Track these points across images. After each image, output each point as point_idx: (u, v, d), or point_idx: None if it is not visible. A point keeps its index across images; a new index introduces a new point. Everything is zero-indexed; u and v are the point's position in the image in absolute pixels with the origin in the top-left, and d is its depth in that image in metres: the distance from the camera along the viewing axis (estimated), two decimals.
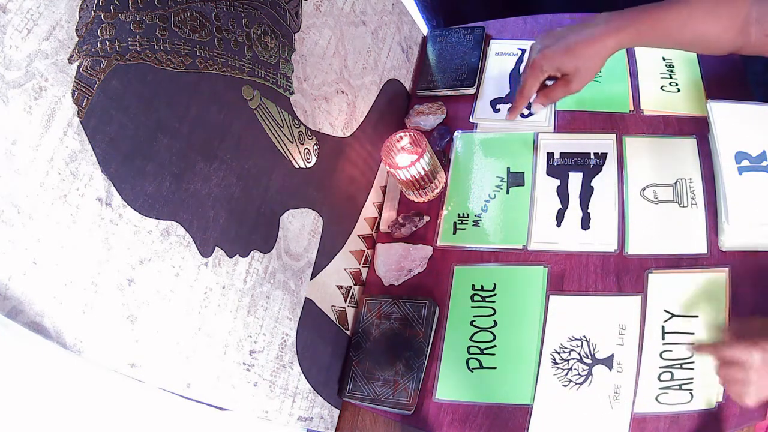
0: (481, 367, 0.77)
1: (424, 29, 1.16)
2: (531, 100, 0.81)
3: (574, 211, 0.84)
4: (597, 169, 0.87)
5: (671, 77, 0.92)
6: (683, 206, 0.80)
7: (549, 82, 0.79)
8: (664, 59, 0.94)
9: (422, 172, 0.86)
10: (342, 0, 0.84)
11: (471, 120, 0.99)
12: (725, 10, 0.68)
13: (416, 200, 0.94)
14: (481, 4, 1.21)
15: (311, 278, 0.77)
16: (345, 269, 0.85)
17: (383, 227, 0.94)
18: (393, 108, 1.01)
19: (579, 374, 0.72)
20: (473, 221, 0.89)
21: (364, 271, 0.90)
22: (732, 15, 0.68)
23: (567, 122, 0.93)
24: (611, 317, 0.74)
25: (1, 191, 0.41)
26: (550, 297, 0.78)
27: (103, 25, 0.49)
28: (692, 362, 0.69)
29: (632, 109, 0.91)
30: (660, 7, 0.70)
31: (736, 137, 0.75)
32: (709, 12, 0.68)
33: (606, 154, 0.88)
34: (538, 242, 0.84)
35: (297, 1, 0.74)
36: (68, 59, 0.46)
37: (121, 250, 0.50)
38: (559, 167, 0.89)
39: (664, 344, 0.71)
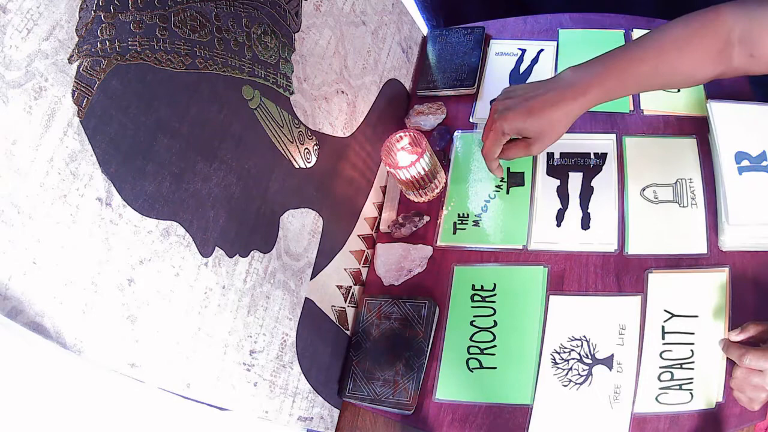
0: (481, 367, 0.77)
1: (424, 29, 1.16)
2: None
3: (574, 211, 0.84)
4: (597, 169, 0.87)
5: None
6: (683, 206, 0.80)
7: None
8: None
9: (422, 172, 0.86)
10: (342, 0, 0.84)
11: (471, 120, 0.99)
12: (699, 42, 0.65)
13: (416, 200, 0.94)
14: (481, 4, 1.21)
15: (311, 278, 0.77)
16: (345, 269, 0.85)
17: (383, 227, 0.94)
18: (393, 108, 1.01)
19: (579, 374, 0.72)
20: (473, 221, 0.89)
21: (364, 271, 0.91)
22: (707, 44, 0.64)
23: None
24: (611, 317, 0.74)
25: (1, 191, 0.41)
26: (550, 297, 0.78)
27: (103, 25, 0.49)
28: (692, 362, 0.69)
29: (632, 109, 0.91)
30: (625, 55, 0.66)
31: (736, 137, 0.75)
32: (681, 48, 0.65)
33: (606, 154, 0.88)
34: (538, 242, 0.84)
35: (297, 1, 0.74)
36: (68, 59, 0.46)
37: (121, 250, 0.50)
38: (559, 167, 0.89)
39: (664, 344, 0.71)
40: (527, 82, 0.76)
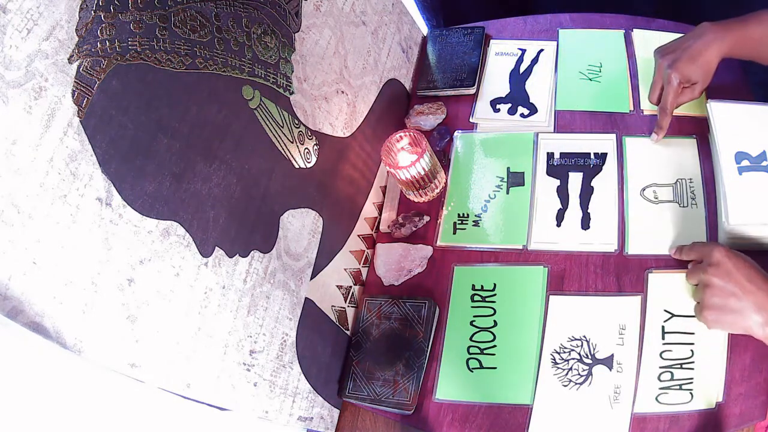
0: (481, 367, 0.77)
1: (424, 29, 1.16)
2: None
3: (574, 211, 0.84)
4: (597, 169, 0.87)
5: None
6: (683, 206, 0.80)
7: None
8: None
9: (422, 172, 0.86)
10: (342, 0, 0.84)
11: (471, 120, 0.99)
12: None
13: (416, 200, 0.94)
14: (481, 4, 1.21)
15: (311, 278, 0.77)
16: (345, 269, 0.85)
17: (383, 227, 0.94)
18: (393, 108, 1.01)
19: (579, 374, 0.72)
20: (473, 221, 0.89)
21: (364, 271, 0.91)
22: None
23: (567, 122, 0.93)
24: (611, 317, 0.74)
25: (1, 191, 0.41)
26: (550, 297, 0.78)
27: (103, 25, 0.49)
28: (692, 362, 0.69)
29: (632, 109, 0.91)
30: (743, 23, 0.75)
31: (736, 137, 0.75)
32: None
33: (606, 154, 0.88)
34: (538, 242, 0.84)
35: (297, 1, 0.74)
36: (68, 59, 0.46)
37: (121, 250, 0.50)
38: (559, 167, 0.89)
39: (664, 344, 0.71)
40: (671, 40, 0.83)
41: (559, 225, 0.84)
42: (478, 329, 0.80)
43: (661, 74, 0.81)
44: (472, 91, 1.02)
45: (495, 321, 0.79)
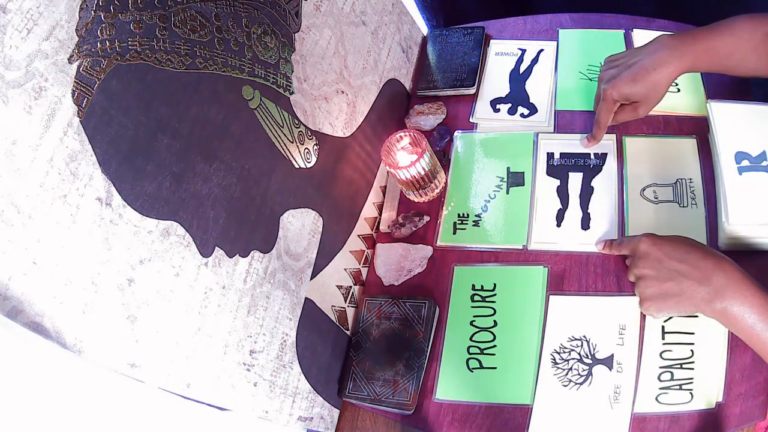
0: (481, 367, 0.77)
1: (424, 29, 1.16)
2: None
3: (574, 211, 0.84)
4: (597, 169, 0.87)
5: None
6: (683, 206, 0.80)
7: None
8: None
9: (422, 172, 0.86)
10: (342, 0, 0.84)
11: (471, 120, 0.99)
12: (762, 39, 0.70)
13: (416, 200, 0.94)
14: (481, 4, 1.21)
15: (311, 278, 0.77)
16: (345, 269, 0.85)
17: (383, 227, 0.94)
18: (393, 108, 1.01)
19: (579, 374, 0.72)
20: (473, 221, 0.89)
21: (364, 271, 0.91)
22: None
23: (567, 122, 0.93)
24: (611, 317, 0.74)
25: (1, 191, 0.41)
26: (550, 297, 0.78)
27: (103, 25, 0.49)
28: (692, 362, 0.69)
29: None
30: (710, 33, 0.72)
31: (736, 137, 0.75)
32: (748, 41, 0.70)
33: (606, 154, 0.88)
34: (538, 242, 0.84)
35: (297, 1, 0.74)
36: (68, 59, 0.46)
37: (121, 250, 0.50)
38: (559, 167, 0.89)
39: (664, 344, 0.71)
40: (626, 50, 0.81)
41: (559, 225, 0.84)
42: (478, 329, 0.80)
43: (598, 91, 0.80)
44: (472, 91, 1.02)
45: (495, 321, 0.79)
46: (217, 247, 0.61)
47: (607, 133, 0.89)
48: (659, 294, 0.66)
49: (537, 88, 0.99)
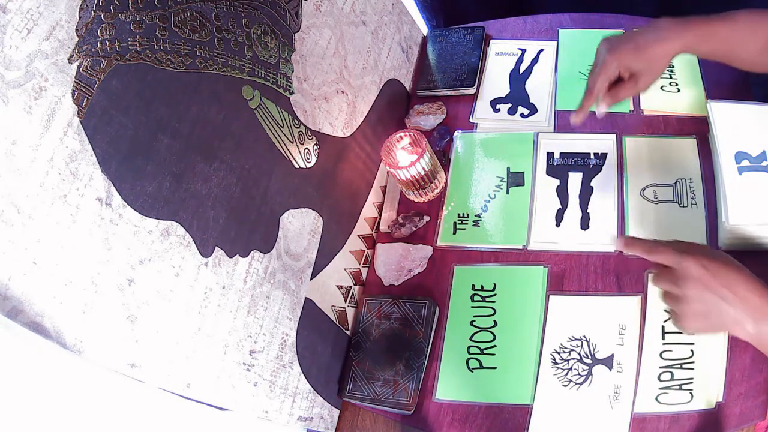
0: (481, 367, 0.77)
1: (424, 29, 1.16)
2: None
3: (573, 211, 0.84)
4: (597, 169, 0.87)
5: (671, 77, 0.92)
6: (683, 206, 0.80)
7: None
8: None
9: (422, 172, 0.86)
10: (342, 0, 0.84)
11: (471, 120, 0.99)
12: (762, 32, 0.69)
13: (416, 200, 0.94)
14: (481, 4, 1.21)
15: (311, 278, 0.77)
16: (345, 269, 0.85)
17: (383, 227, 0.94)
18: (393, 108, 1.01)
19: (579, 374, 0.72)
20: (473, 221, 0.89)
21: (364, 271, 0.90)
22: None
23: (567, 122, 0.93)
24: (611, 317, 0.74)
25: (1, 191, 0.41)
26: (550, 297, 0.78)
27: (103, 25, 0.49)
28: (692, 362, 0.69)
29: (632, 109, 0.91)
30: (713, 19, 0.72)
31: (736, 137, 0.75)
32: (748, 31, 0.70)
33: (606, 154, 0.88)
34: (538, 242, 0.84)
35: (297, 1, 0.74)
36: (68, 59, 0.46)
37: (121, 250, 0.50)
38: (559, 167, 0.89)
39: (664, 344, 0.71)
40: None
41: (558, 225, 0.84)
42: (478, 329, 0.80)
43: (598, 58, 0.76)
44: (472, 91, 1.02)
45: (495, 321, 0.79)
46: (217, 247, 0.61)
47: (606, 132, 0.90)
48: (701, 319, 0.60)
49: (537, 88, 0.99)
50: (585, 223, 0.83)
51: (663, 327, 0.72)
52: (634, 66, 0.74)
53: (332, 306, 0.81)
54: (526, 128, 0.95)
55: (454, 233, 0.89)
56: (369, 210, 0.92)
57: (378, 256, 0.90)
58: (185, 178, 0.57)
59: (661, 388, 0.69)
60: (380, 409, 0.79)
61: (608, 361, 0.72)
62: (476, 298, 0.82)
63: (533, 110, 0.96)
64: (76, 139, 0.46)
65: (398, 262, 0.88)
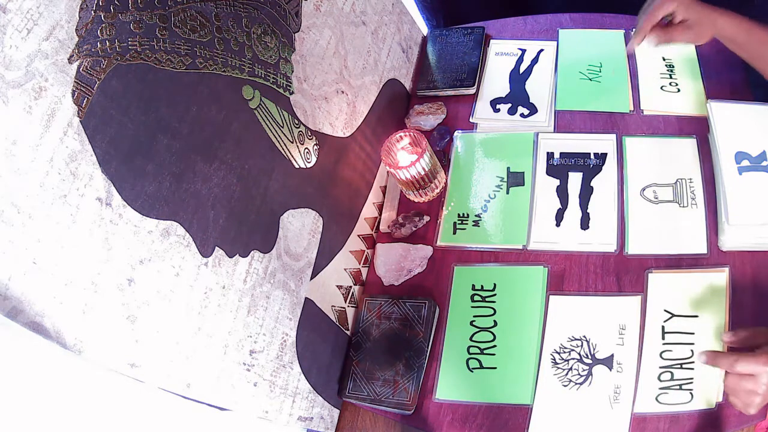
0: (481, 367, 0.77)
1: (424, 29, 1.16)
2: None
3: (573, 211, 0.84)
4: (597, 169, 0.87)
5: (671, 77, 0.92)
6: (683, 206, 0.80)
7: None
8: (663, 59, 0.94)
9: (422, 172, 0.86)
10: (342, 0, 0.84)
11: (471, 120, 0.99)
12: None
13: (416, 200, 0.94)
14: (481, 4, 1.21)
15: (311, 278, 0.77)
16: (345, 269, 0.85)
17: (383, 227, 0.94)
18: (393, 108, 1.01)
19: (579, 374, 0.72)
20: (473, 221, 0.89)
21: (364, 271, 0.90)
22: None
23: (567, 122, 0.93)
24: (611, 317, 0.74)
25: (1, 191, 0.41)
26: (550, 297, 0.78)
27: (103, 25, 0.49)
28: (692, 362, 0.69)
29: (632, 109, 0.91)
30: (762, 24, 0.75)
31: (736, 137, 0.75)
32: (763, 38, 0.73)
33: (606, 154, 0.88)
34: (538, 242, 0.84)
35: (297, 1, 0.74)
36: (68, 59, 0.46)
37: (121, 250, 0.50)
38: (559, 167, 0.89)
39: (664, 344, 0.71)
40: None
41: (558, 225, 0.84)
42: (478, 329, 0.80)
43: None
44: (472, 91, 1.02)
45: (495, 321, 0.79)
46: (217, 247, 0.61)
47: (606, 132, 0.90)
48: (763, 400, 0.59)
49: (537, 88, 0.99)
50: (585, 223, 0.83)
51: (663, 327, 0.72)
52: (691, 12, 0.76)
53: (332, 306, 0.81)
54: (526, 128, 0.95)
55: (454, 233, 0.89)
56: (369, 210, 0.92)
57: (378, 256, 0.90)
58: (185, 178, 0.57)
59: (661, 388, 0.69)
60: (380, 409, 0.79)
61: (608, 361, 0.72)
62: (476, 298, 0.82)
63: (533, 110, 0.96)
64: (76, 139, 0.46)
65: (398, 262, 0.88)
